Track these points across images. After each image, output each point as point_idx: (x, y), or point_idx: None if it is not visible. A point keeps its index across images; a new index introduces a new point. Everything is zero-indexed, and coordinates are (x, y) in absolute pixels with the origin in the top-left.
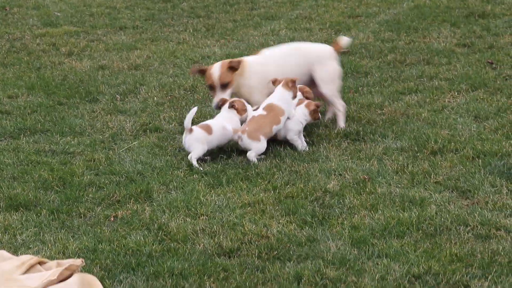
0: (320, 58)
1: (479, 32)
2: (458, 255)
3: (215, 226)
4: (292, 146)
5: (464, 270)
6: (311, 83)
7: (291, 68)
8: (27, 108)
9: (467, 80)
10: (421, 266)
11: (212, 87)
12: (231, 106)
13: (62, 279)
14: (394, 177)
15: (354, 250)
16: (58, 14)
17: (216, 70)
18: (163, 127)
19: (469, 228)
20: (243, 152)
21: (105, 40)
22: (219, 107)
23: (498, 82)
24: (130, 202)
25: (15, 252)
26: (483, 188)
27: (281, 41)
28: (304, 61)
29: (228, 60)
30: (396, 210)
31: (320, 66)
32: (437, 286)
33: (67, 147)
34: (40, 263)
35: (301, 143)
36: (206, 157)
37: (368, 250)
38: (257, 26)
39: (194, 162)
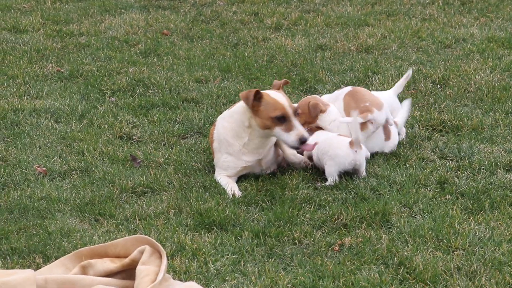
0: None
1: None
2: None
3: (475, 265)
4: None
5: None
6: None
7: None
8: (222, 97)
9: None
10: None
11: None
12: None
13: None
14: None
15: None
16: None
17: None
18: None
19: None
20: (509, 170)
21: (325, 12)
22: None
23: None
24: (361, 227)
25: (207, 285)
26: None
27: None
28: None
29: None
30: None
31: None
32: None
33: None
34: None
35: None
36: None
37: None
38: None
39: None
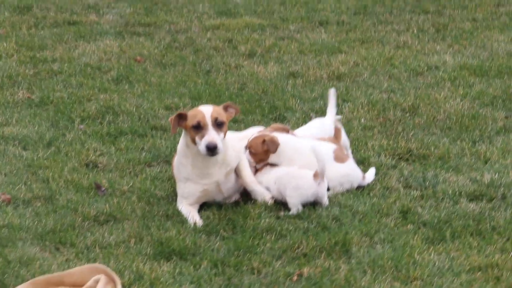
0: None
1: None
2: None
3: None
4: None
5: None
6: None
7: None
8: None
9: None
10: None
11: None
12: None
13: None
14: None
15: None
16: (238, 0)
17: None
18: (370, 159)
19: None
20: (473, 199)
21: (299, 39)
22: None
23: None
24: (321, 257)
25: None
26: None
27: None
28: None
29: None
30: None
31: None
32: None
33: None
34: None
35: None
36: None
37: None
38: (504, 29)
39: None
